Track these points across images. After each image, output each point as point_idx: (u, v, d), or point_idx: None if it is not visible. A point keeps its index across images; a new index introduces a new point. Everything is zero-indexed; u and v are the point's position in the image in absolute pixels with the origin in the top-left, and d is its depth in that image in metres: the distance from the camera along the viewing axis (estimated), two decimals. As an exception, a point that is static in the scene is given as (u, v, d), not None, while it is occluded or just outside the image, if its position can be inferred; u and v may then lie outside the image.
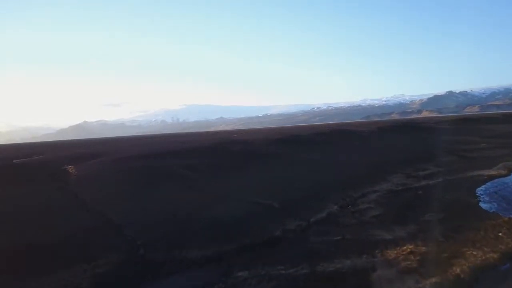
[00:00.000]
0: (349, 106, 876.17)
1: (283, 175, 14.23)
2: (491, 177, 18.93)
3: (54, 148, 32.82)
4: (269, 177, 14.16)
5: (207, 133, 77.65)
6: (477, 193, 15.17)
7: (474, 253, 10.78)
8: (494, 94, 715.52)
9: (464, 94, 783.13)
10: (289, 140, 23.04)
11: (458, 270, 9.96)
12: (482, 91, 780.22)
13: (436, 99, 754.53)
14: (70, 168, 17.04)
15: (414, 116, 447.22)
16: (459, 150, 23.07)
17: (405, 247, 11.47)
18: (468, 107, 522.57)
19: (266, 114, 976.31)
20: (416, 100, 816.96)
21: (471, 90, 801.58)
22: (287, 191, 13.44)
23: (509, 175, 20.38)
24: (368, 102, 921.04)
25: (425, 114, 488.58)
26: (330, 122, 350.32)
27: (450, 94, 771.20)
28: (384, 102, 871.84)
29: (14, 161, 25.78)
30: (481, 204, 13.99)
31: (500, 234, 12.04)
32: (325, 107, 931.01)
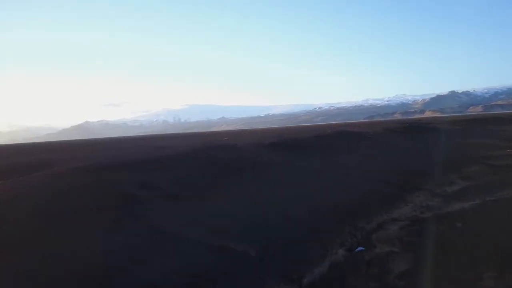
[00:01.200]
0: (351, 106, 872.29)
1: (271, 195, 10.08)
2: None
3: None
4: (252, 199, 9.57)
5: (199, 134, 73.98)
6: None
7: None
8: (497, 94, 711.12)
9: (466, 94, 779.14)
10: (285, 145, 19.52)
11: None
12: (485, 91, 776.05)
13: (438, 99, 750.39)
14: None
15: (417, 116, 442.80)
16: (484, 158, 19.28)
17: None
18: (471, 107, 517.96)
19: (268, 114, 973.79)
20: (418, 100, 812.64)
21: (474, 90, 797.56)
22: (273, 224, 8.79)
23: None
24: (370, 102, 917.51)
25: (428, 114, 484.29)
26: (332, 122, 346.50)
27: (452, 94, 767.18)
28: (386, 102, 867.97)
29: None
30: None
31: None
32: (327, 107, 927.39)
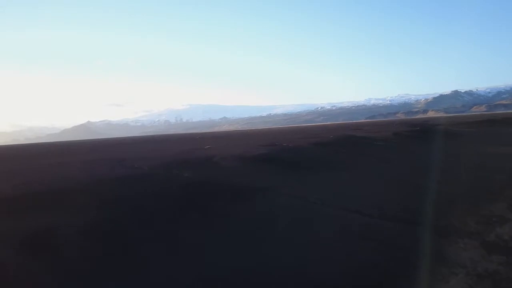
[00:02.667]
0: (353, 106, 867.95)
1: (237, 263, 6.10)
2: None
3: None
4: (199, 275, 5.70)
5: (192, 136, 69.81)
6: None
7: None
8: (500, 94, 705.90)
9: (469, 93, 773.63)
10: (275, 159, 15.43)
11: None
12: (488, 90, 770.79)
13: (441, 98, 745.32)
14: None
15: (420, 115, 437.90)
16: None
17: None
18: (474, 107, 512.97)
19: (270, 113, 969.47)
20: (421, 99, 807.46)
21: (477, 90, 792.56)
22: None
23: None
24: (372, 102, 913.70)
25: (431, 114, 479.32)
26: (334, 122, 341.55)
27: (455, 93, 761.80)
28: (388, 102, 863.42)
29: None
30: None
31: None
32: (329, 107, 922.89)
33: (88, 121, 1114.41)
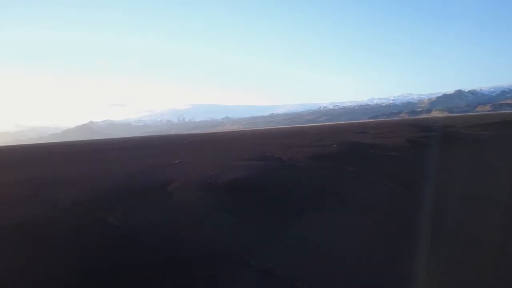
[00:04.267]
0: (356, 106, 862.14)
1: None
2: None
3: None
4: None
5: (181, 139, 65.30)
6: None
7: None
8: (504, 93, 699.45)
9: (473, 93, 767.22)
10: (256, 186, 10.78)
11: None
12: (492, 89, 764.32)
13: (445, 98, 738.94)
14: None
15: (424, 115, 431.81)
16: None
17: None
18: (479, 106, 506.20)
19: (272, 113, 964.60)
20: (424, 99, 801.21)
21: (481, 89, 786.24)
22: None
23: None
24: (375, 102, 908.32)
25: (435, 113, 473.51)
26: (338, 122, 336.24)
27: (459, 93, 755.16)
28: (391, 101, 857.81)
29: None
30: None
31: None
32: (331, 107, 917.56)
33: (91, 121, 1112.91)
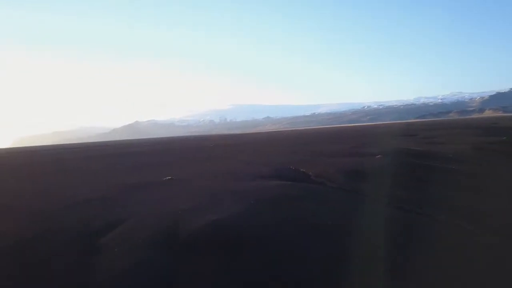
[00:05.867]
0: (401, 105, 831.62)
1: None
2: None
3: None
4: None
5: (207, 142, 61.48)
6: None
7: None
8: None
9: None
10: (244, 237, 6.43)
11: None
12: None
13: (498, 96, 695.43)
14: None
15: (476, 115, 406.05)
16: None
17: None
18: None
19: (314, 113, 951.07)
20: (476, 97, 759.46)
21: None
22: None
23: None
24: (422, 101, 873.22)
25: (488, 113, 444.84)
26: (380, 123, 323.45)
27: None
28: (440, 101, 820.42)
29: None
30: None
31: None
32: (375, 106, 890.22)
33: (136, 121, 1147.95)
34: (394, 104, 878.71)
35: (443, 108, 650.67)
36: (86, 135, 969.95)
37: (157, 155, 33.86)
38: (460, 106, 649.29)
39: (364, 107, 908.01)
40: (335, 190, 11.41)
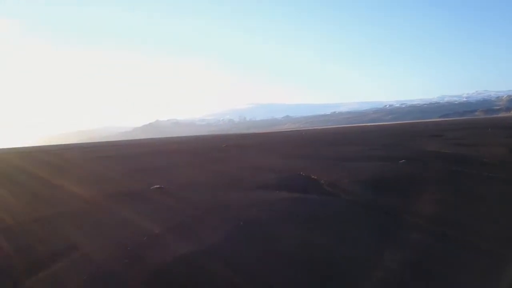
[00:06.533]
0: (424, 103, 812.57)
1: None
2: None
3: None
4: None
5: (213, 141, 59.84)
6: None
7: None
8: None
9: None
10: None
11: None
12: None
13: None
14: None
15: (503, 114, 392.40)
16: None
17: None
18: None
19: (334, 112, 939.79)
20: (503, 96, 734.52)
21: None
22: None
23: None
24: (446, 99, 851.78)
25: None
26: (403, 122, 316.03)
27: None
28: (465, 99, 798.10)
29: None
30: None
31: None
32: (397, 105, 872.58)
33: (157, 120, 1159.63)
34: (417, 103, 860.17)
35: (468, 106, 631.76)
36: (109, 133, 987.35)
37: (162, 156, 32.16)
38: (486, 104, 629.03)
39: (386, 106, 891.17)
40: (351, 205, 9.29)
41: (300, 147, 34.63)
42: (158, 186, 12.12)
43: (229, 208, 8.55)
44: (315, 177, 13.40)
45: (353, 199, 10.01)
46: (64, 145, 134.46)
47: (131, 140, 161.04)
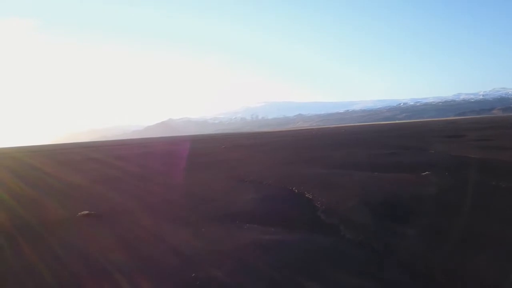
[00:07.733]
0: (440, 102, 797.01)
1: None
2: None
3: None
4: None
5: (215, 140, 56.54)
6: None
7: None
8: None
9: None
10: None
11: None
12: None
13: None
14: None
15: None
16: None
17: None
18: None
19: (348, 110, 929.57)
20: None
21: None
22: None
23: None
24: (462, 97, 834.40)
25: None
26: (417, 120, 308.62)
27: None
28: (481, 97, 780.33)
29: None
30: None
31: None
32: (412, 103, 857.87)
33: (169, 119, 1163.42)
34: (432, 101, 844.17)
35: (485, 104, 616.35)
36: (122, 132, 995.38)
37: (148, 160, 28.86)
38: (504, 102, 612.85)
39: (400, 104, 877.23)
40: (355, 251, 6.03)
41: (306, 149, 31.18)
42: (86, 212, 8.79)
43: (150, 268, 5.29)
44: (310, 197, 10.09)
45: (358, 237, 6.70)
46: (61, 144, 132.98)
47: (136, 139, 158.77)
